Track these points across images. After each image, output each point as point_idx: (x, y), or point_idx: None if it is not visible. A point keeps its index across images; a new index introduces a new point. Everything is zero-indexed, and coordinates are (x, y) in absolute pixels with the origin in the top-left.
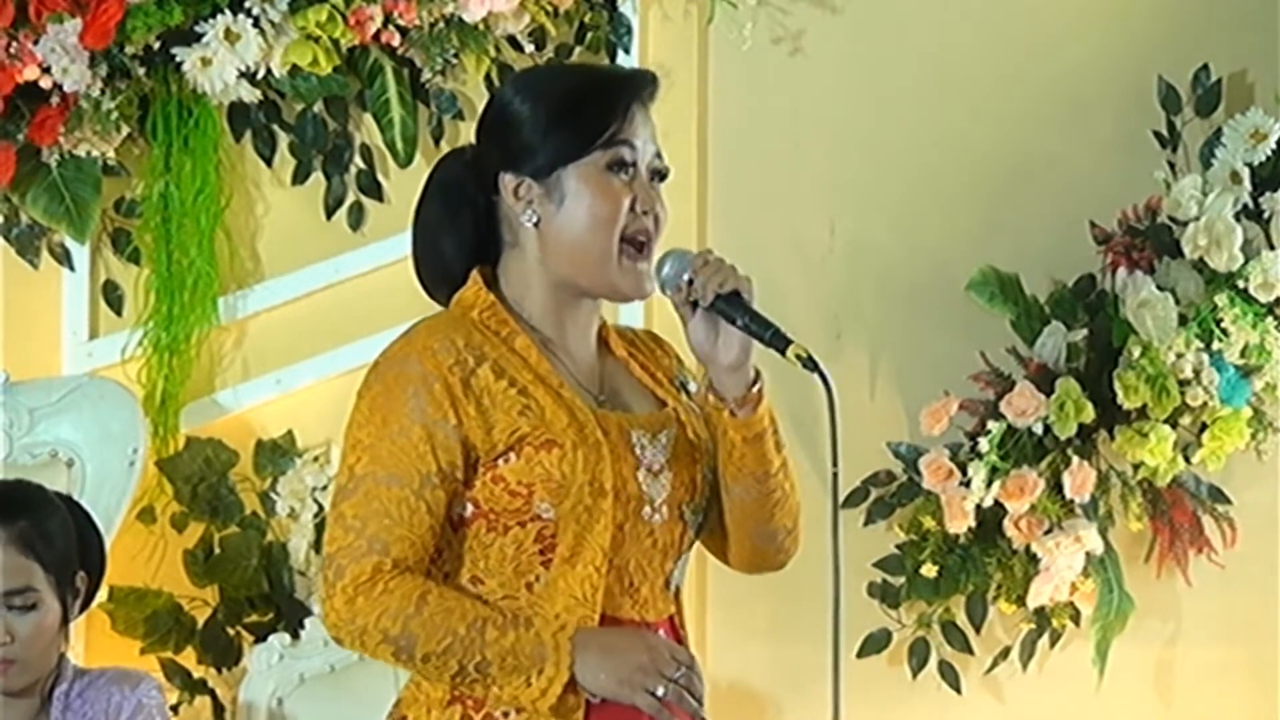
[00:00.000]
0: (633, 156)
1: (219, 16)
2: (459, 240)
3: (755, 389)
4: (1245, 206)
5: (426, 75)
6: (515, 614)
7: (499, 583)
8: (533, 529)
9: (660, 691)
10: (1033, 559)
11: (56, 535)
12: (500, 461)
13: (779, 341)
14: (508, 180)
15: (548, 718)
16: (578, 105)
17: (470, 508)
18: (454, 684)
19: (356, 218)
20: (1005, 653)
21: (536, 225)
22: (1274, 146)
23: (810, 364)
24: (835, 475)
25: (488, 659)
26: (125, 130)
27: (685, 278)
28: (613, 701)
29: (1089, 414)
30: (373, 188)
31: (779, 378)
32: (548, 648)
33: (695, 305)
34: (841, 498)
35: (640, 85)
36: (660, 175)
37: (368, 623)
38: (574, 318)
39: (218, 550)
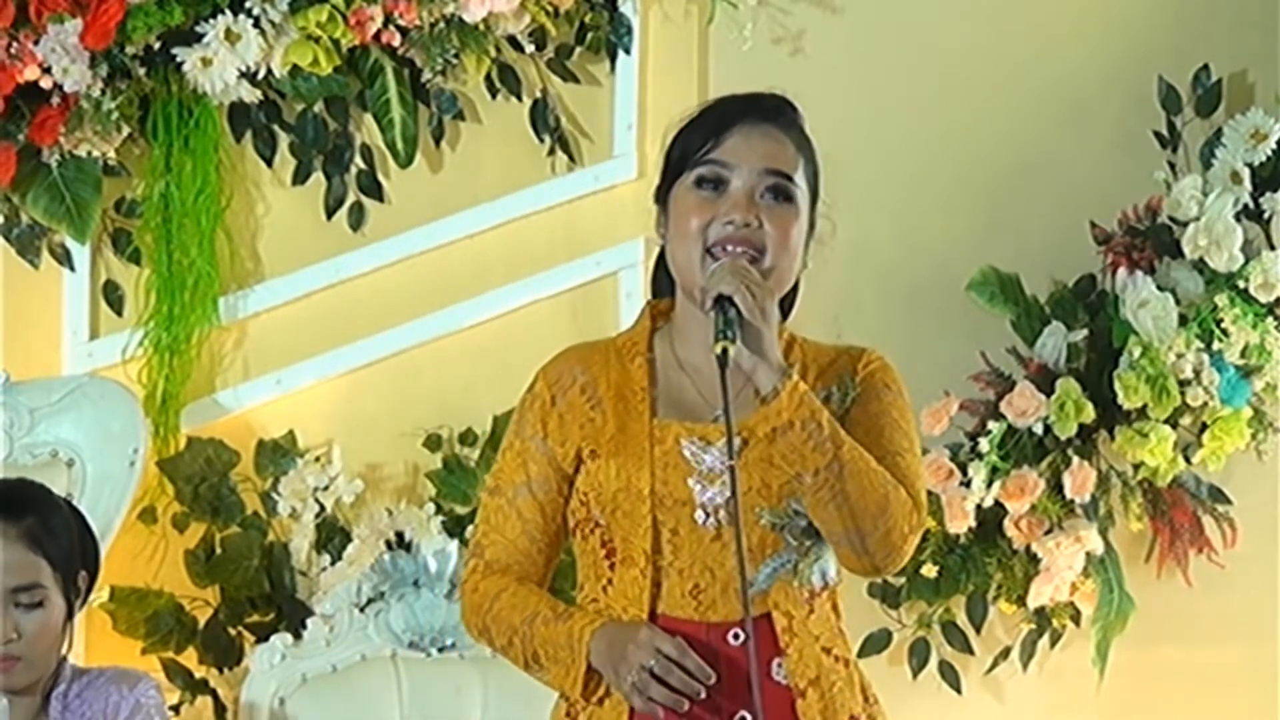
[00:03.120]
0: (724, 173)
1: (219, 16)
2: (665, 276)
3: (776, 386)
4: (1245, 206)
5: (427, 75)
6: (567, 609)
7: (589, 586)
8: (598, 535)
9: (630, 680)
10: (1033, 559)
11: (61, 533)
12: (577, 474)
13: (719, 339)
14: (656, 214)
15: (608, 711)
16: (683, 134)
17: (571, 520)
18: (530, 673)
19: (357, 218)
20: (1005, 653)
21: (663, 249)
22: (1274, 147)
23: (721, 362)
24: (732, 469)
25: (537, 650)
26: (126, 130)
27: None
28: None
29: (1089, 414)
30: (373, 188)
31: None
32: (574, 640)
33: None
34: None
35: (745, 107)
36: (777, 192)
37: (468, 620)
38: (706, 332)
39: (219, 550)
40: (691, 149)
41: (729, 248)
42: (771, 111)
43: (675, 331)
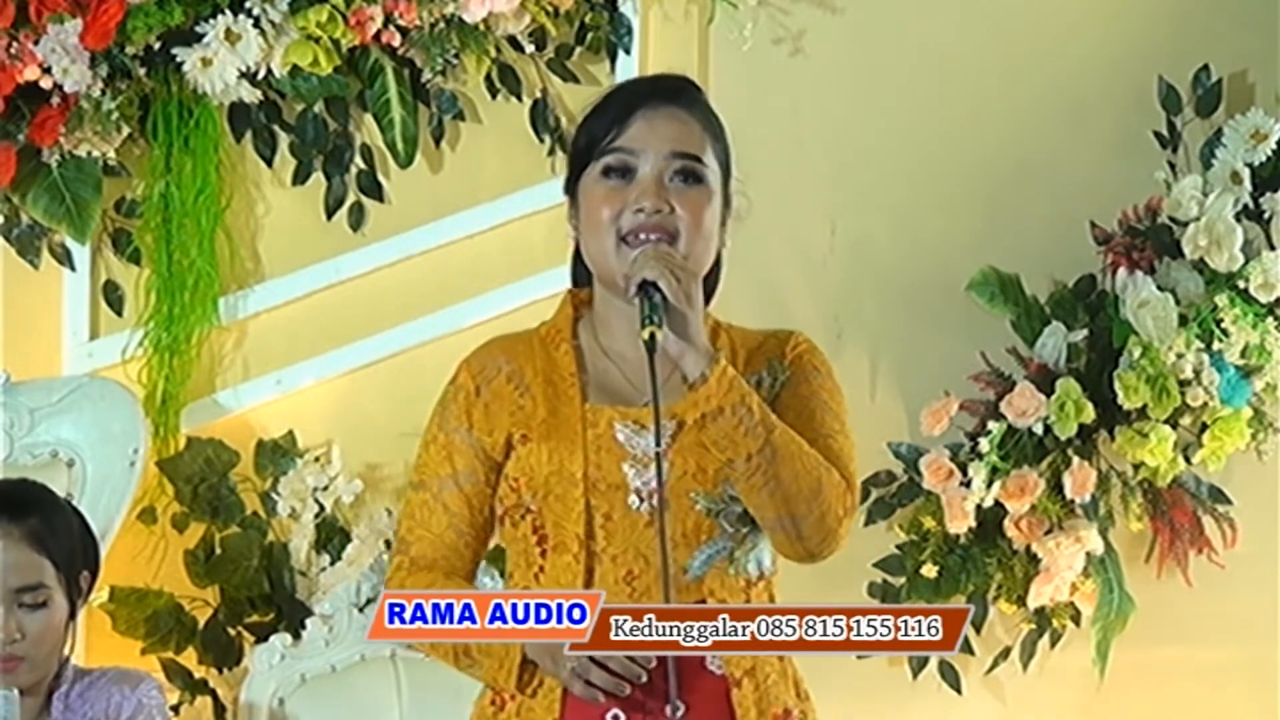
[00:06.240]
0: (631, 161)
1: (219, 17)
2: (582, 266)
3: (705, 372)
4: (1245, 207)
5: (427, 75)
6: None
7: (519, 574)
8: (528, 521)
9: (570, 666)
10: (1033, 559)
11: (64, 533)
12: (506, 461)
13: (645, 325)
14: (567, 209)
15: (540, 701)
16: (586, 123)
17: (500, 508)
18: (460, 668)
19: (357, 218)
20: (1005, 653)
21: (577, 242)
22: (1274, 147)
23: (649, 347)
24: (659, 456)
25: (468, 644)
26: (126, 130)
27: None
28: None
29: (1089, 414)
30: (373, 188)
31: None
32: None
33: None
34: None
35: (647, 91)
36: (686, 175)
37: None
38: (628, 320)
39: (218, 550)
40: (596, 138)
41: (643, 235)
42: (673, 93)
43: (597, 321)
